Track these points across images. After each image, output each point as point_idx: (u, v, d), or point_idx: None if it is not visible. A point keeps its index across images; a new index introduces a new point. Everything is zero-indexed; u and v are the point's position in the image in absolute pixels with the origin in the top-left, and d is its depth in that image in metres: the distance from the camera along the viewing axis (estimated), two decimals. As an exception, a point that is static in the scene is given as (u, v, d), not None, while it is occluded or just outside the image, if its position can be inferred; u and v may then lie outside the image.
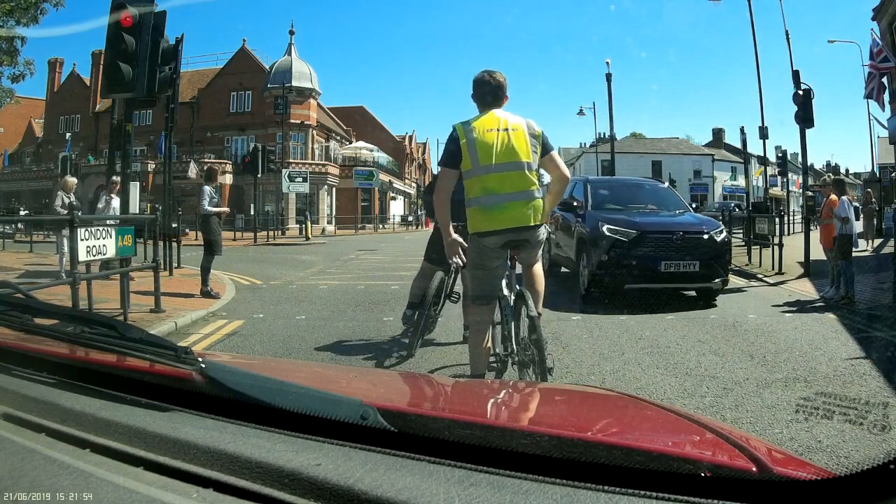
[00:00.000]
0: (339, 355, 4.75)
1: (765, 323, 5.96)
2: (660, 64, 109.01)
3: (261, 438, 0.80)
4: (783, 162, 24.68)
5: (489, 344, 3.33)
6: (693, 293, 7.48)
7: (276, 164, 27.11)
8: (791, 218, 19.36)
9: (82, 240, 5.16)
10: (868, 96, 17.20)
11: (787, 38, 18.10)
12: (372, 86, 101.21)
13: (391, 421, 0.80)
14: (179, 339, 5.11)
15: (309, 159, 36.08)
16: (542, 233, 3.25)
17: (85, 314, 1.88)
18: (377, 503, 0.64)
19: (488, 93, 3.25)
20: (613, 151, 40.14)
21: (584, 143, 54.69)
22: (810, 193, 12.50)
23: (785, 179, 25.55)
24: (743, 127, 45.09)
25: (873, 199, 17.52)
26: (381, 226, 39.19)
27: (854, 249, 7.43)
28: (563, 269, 9.06)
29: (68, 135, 36.63)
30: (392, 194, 45.80)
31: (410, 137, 54.34)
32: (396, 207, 46.02)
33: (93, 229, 5.41)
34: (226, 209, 9.07)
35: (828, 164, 57.08)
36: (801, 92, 11.37)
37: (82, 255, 5.18)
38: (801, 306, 7.05)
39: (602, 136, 47.61)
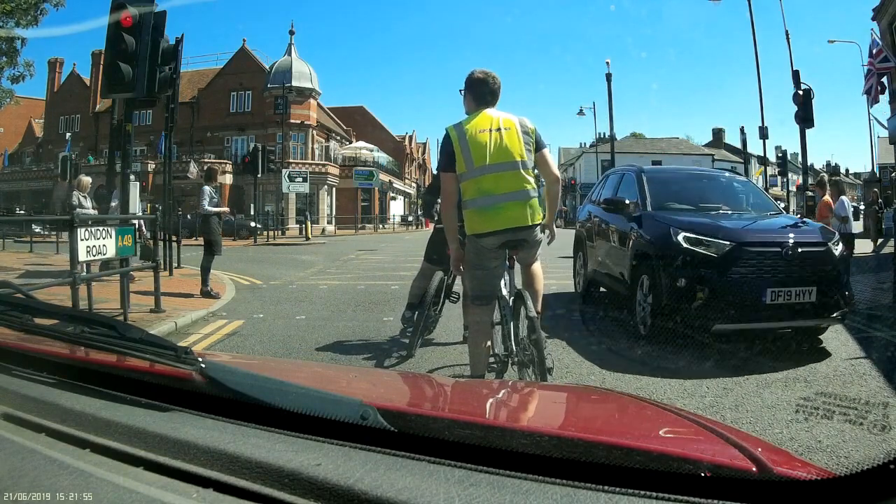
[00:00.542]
0: (339, 355, 4.75)
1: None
2: (660, 64, 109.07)
3: (261, 438, 0.80)
4: (783, 162, 24.67)
5: (489, 344, 3.33)
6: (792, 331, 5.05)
7: (276, 164, 27.13)
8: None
9: (82, 240, 5.16)
10: (867, 92, 17.20)
11: (787, 38, 18.10)
12: (372, 86, 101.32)
13: (391, 421, 0.80)
14: (179, 339, 5.11)
15: (309, 159, 36.09)
16: (540, 232, 3.25)
17: (85, 314, 1.88)
18: (377, 503, 0.64)
19: (486, 93, 3.25)
20: (613, 151, 40.13)
21: (584, 143, 54.71)
22: (810, 193, 12.50)
23: (785, 179, 25.53)
24: (743, 127, 45.22)
25: (880, 199, 17.48)
26: (381, 226, 39.19)
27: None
28: (604, 290, 6.68)
29: (68, 135, 36.62)
30: (392, 194, 45.81)
31: (410, 137, 54.34)
32: (396, 207, 46.04)
33: (93, 229, 5.41)
34: (226, 209, 9.07)
35: (828, 164, 57.05)
36: (801, 92, 11.39)
37: (82, 255, 5.18)
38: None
39: (602, 136, 47.64)
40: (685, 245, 4.78)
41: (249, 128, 36.44)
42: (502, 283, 3.35)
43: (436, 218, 4.99)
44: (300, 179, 27.76)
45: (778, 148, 30.68)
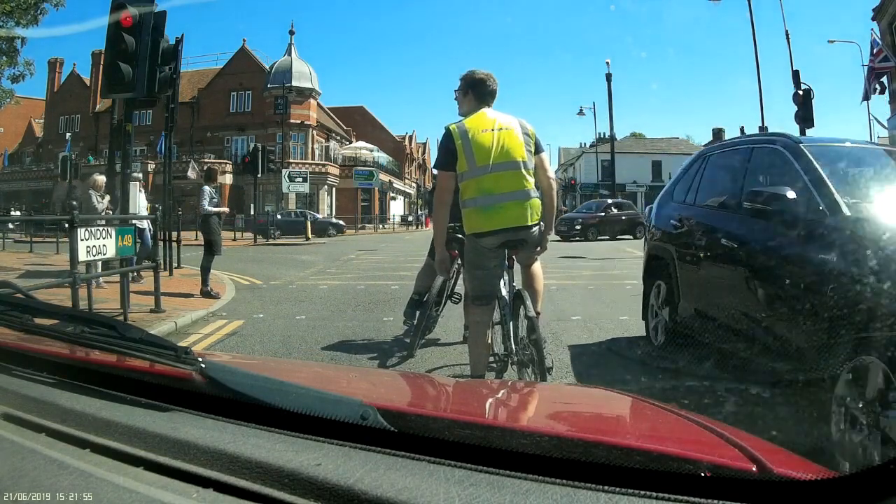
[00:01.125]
0: (339, 355, 4.75)
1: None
2: (660, 64, 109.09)
3: (261, 438, 0.80)
4: (783, 162, 24.67)
5: (489, 344, 3.33)
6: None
7: (276, 164, 27.15)
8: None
9: (82, 240, 5.16)
10: (865, 98, 17.21)
11: (787, 38, 18.10)
12: (372, 86, 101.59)
13: (391, 421, 0.80)
14: (179, 339, 5.11)
15: (309, 159, 36.11)
16: (539, 232, 3.25)
17: (85, 314, 1.88)
18: (377, 503, 0.64)
19: (486, 93, 3.26)
20: (613, 151, 40.14)
21: (584, 143, 54.74)
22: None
23: (785, 179, 25.54)
24: (743, 127, 45.07)
25: None
26: (381, 226, 39.20)
27: None
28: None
29: (68, 135, 36.65)
30: (392, 194, 45.83)
31: (410, 137, 54.38)
32: (396, 207, 46.06)
33: (93, 229, 5.41)
34: (225, 209, 9.08)
35: (828, 164, 57.01)
36: (801, 92, 11.40)
37: (82, 255, 5.18)
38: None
39: (602, 136, 47.71)
40: None
41: (249, 128, 36.47)
42: (502, 283, 3.35)
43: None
44: (300, 179, 27.80)
45: (778, 148, 30.70)
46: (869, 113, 24.74)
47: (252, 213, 27.59)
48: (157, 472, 0.73)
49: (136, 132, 9.33)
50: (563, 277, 9.67)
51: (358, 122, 47.58)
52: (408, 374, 2.85)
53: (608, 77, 39.35)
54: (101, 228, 5.54)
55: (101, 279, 7.22)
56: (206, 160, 30.70)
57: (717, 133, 55.98)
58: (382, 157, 43.46)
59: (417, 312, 4.80)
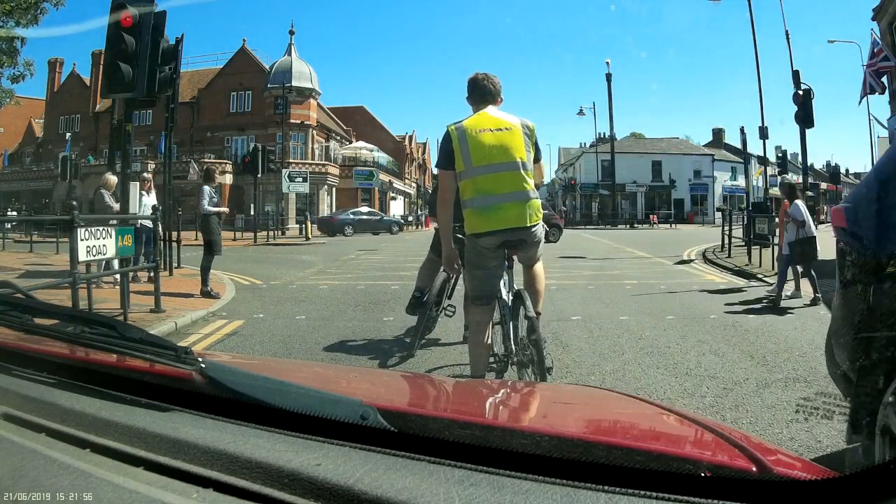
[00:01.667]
0: (339, 355, 4.75)
1: (765, 323, 5.95)
2: (660, 64, 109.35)
3: (261, 438, 0.80)
4: (783, 162, 24.66)
5: (489, 344, 3.33)
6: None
7: (276, 164, 27.11)
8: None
9: (82, 240, 5.16)
10: (863, 96, 17.20)
11: (787, 38, 18.09)
12: (372, 86, 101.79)
13: (391, 421, 0.80)
14: (179, 340, 5.11)
15: (309, 159, 36.10)
16: (540, 232, 3.25)
17: (85, 314, 1.88)
18: (377, 503, 0.64)
19: (486, 94, 3.26)
20: (613, 151, 40.15)
21: (584, 143, 54.82)
22: (811, 193, 12.50)
23: (785, 179, 25.54)
24: (743, 127, 45.13)
25: None
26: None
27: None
28: None
29: (68, 135, 36.65)
30: (392, 194, 45.82)
31: (410, 137, 54.37)
32: (396, 207, 46.04)
33: (93, 229, 5.41)
34: (225, 209, 9.08)
35: (828, 164, 57.05)
36: (801, 92, 11.40)
37: (82, 255, 5.18)
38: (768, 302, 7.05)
39: (602, 136, 47.77)
40: None
41: (249, 128, 36.46)
42: (502, 283, 3.35)
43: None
44: (300, 179, 27.74)
45: (778, 148, 30.68)
46: (869, 113, 24.77)
47: (252, 212, 27.59)
48: (157, 472, 0.73)
49: (136, 132, 9.32)
50: (563, 277, 9.67)
51: (358, 122, 47.59)
52: (408, 374, 2.85)
53: (608, 77, 39.39)
54: (101, 228, 5.54)
55: (116, 277, 7.18)
56: (206, 160, 30.71)
57: (717, 133, 56.06)
58: (382, 157, 43.45)
59: (418, 312, 4.79)
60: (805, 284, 7.43)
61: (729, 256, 12.65)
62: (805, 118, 11.31)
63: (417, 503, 0.63)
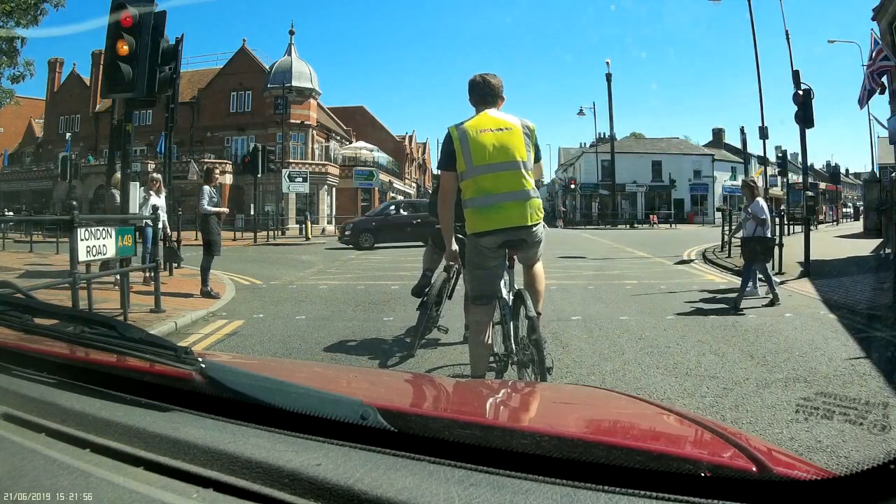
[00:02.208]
0: (339, 355, 4.75)
1: (764, 323, 5.95)
2: (660, 64, 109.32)
3: (261, 438, 0.80)
4: (783, 162, 24.68)
5: (489, 344, 3.33)
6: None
7: (276, 164, 27.11)
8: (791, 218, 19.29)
9: (82, 240, 5.16)
10: (860, 101, 17.16)
11: (787, 38, 18.13)
12: (372, 86, 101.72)
13: (391, 421, 0.80)
14: (179, 340, 5.11)
15: (309, 159, 36.08)
16: (540, 231, 3.25)
17: (85, 314, 1.88)
18: (377, 503, 0.64)
19: (485, 94, 3.28)
20: (613, 151, 40.14)
21: (584, 143, 54.75)
22: (810, 193, 12.49)
23: (785, 180, 25.54)
24: (743, 127, 45.19)
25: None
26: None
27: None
28: None
29: (68, 135, 36.62)
30: (392, 194, 45.79)
31: (410, 137, 54.35)
32: (396, 207, 45.98)
33: (93, 229, 5.40)
34: (225, 209, 9.07)
35: (828, 164, 57.03)
36: (801, 92, 11.38)
37: (82, 255, 5.18)
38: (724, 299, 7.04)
39: (602, 136, 47.74)
40: None
41: (249, 128, 36.43)
42: (502, 282, 3.35)
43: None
44: (300, 179, 27.73)
45: (778, 148, 30.74)
46: (869, 113, 24.75)
47: (252, 212, 27.58)
48: (157, 472, 0.73)
49: (136, 132, 9.31)
50: (563, 277, 9.67)
51: (358, 122, 47.56)
52: (408, 374, 2.85)
53: (608, 77, 39.38)
54: (101, 228, 5.53)
55: (116, 277, 7.17)
56: (206, 160, 30.70)
57: (717, 133, 56.04)
58: (382, 157, 43.43)
59: (420, 306, 4.78)
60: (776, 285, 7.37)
61: (729, 256, 12.64)
62: (805, 118, 11.29)
63: (417, 503, 0.63)
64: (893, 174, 20.47)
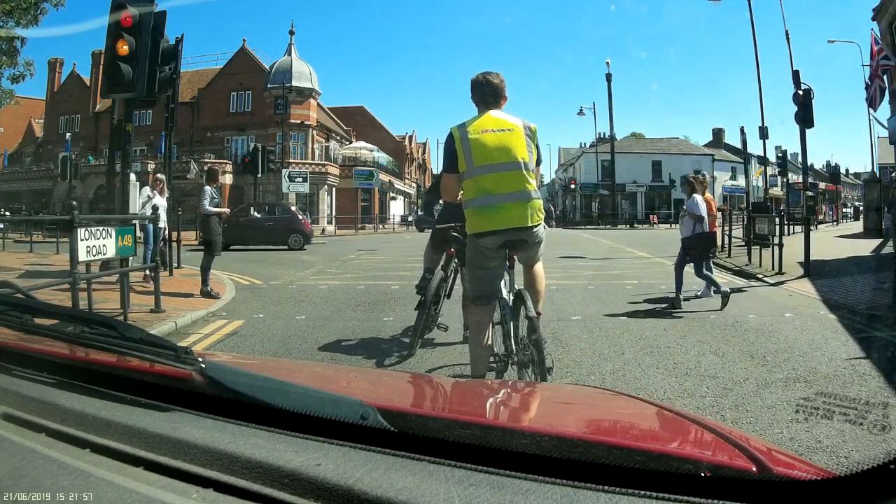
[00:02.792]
0: (339, 355, 4.75)
1: (765, 323, 5.95)
2: (660, 64, 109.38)
3: (261, 438, 0.80)
4: (783, 162, 24.71)
5: (489, 344, 3.33)
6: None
7: (276, 164, 27.14)
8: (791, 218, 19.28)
9: (82, 240, 5.16)
10: (869, 102, 17.13)
11: (787, 38, 18.14)
12: (372, 86, 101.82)
13: (391, 421, 0.80)
14: (179, 340, 5.10)
15: (309, 159, 36.08)
16: (541, 232, 3.25)
17: (85, 314, 1.88)
18: (377, 503, 0.64)
19: (486, 94, 3.27)
20: (613, 151, 40.15)
21: (584, 143, 54.76)
22: (810, 194, 12.49)
23: (785, 180, 25.56)
24: (743, 127, 45.22)
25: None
26: (381, 226, 39.17)
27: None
28: None
29: (68, 135, 36.60)
30: (392, 194, 45.79)
31: (410, 137, 54.34)
32: (396, 208, 46.02)
33: (93, 229, 5.40)
34: (226, 210, 9.08)
35: (828, 165, 57.09)
36: (801, 92, 11.39)
37: (82, 255, 5.17)
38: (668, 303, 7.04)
39: (602, 136, 47.75)
40: None
41: (249, 128, 36.43)
42: (502, 283, 3.35)
43: (435, 217, 4.99)
44: (300, 179, 27.76)
45: (778, 148, 30.77)
46: (869, 113, 24.74)
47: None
48: (157, 472, 0.73)
49: (136, 132, 9.33)
50: (563, 277, 9.67)
51: (358, 122, 47.55)
52: (408, 374, 2.85)
53: (608, 77, 39.37)
54: (100, 228, 5.53)
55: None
56: (206, 160, 30.68)
57: (717, 133, 56.04)
58: (382, 158, 43.43)
59: (417, 312, 4.79)
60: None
61: (729, 256, 12.65)
62: (805, 118, 11.31)
63: (417, 503, 0.63)
64: (893, 174, 20.47)
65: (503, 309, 3.34)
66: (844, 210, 42.27)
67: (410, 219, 43.08)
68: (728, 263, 11.61)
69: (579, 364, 4.41)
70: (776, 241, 10.06)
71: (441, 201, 4.77)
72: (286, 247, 18.36)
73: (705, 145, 54.45)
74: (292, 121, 34.92)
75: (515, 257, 3.38)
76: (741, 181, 41.36)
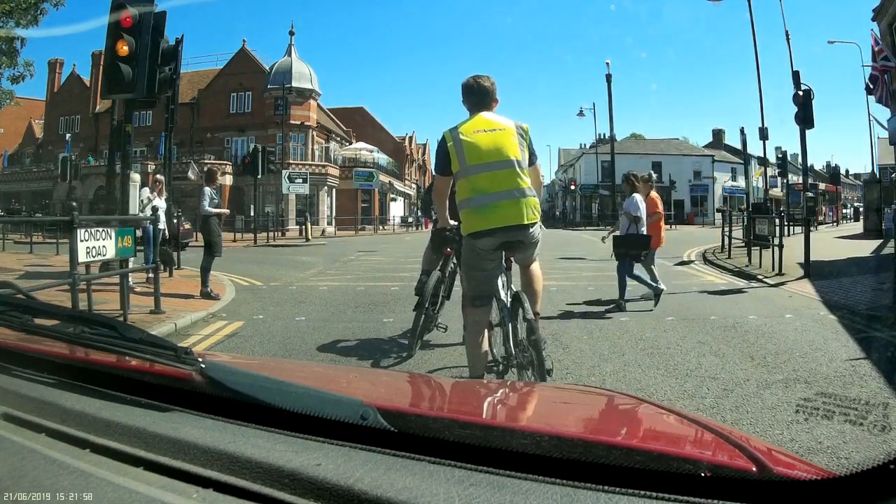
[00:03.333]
0: (339, 356, 4.75)
1: (765, 324, 5.95)
2: (660, 64, 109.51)
3: (261, 438, 0.80)
4: (783, 163, 24.70)
5: (487, 344, 3.33)
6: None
7: (275, 164, 27.11)
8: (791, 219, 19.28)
9: (82, 241, 5.15)
10: (879, 101, 17.08)
11: (787, 38, 18.15)
12: (372, 86, 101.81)
13: (391, 421, 0.80)
14: (179, 341, 5.10)
15: (309, 160, 36.08)
16: (537, 232, 3.25)
17: (85, 314, 1.88)
18: (377, 503, 0.64)
19: (477, 97, 3.29)
20: (613, 152, 40.18)
21: (584, 144, 54.75)
22: (810, 194, 12.49)
23: (785, 180, 25.56)
24: (743, 128, 45.25)
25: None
26: (380, 227, 39.18)
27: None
28: None
29: (68, 135, 36.64)
30: (392, 195, 45.79)
31: (410, 138, 54.34)
32: (396, 208, 46.02)
33: (92, 230, 5.40)
34: (226, 211, 9.07)
35: (828, 165, 57.10)
36: (801, 92, 11.39)
37: (82, 256, 5.17)
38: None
39: (602, 136, 47.72)
40: None
41: (249, 128, 36.44)
42: (500, 284, 3.34)
43: (434, 217, 5.00)
44: (300, 180, 27.72)
45: (778, 149, 30.78)
46: (869, 113, 24.77)
47: (252, 213, 27.57)
48: (157, 472, 0.73)
49: (136, 133, 9.33)
50: (563, 279, 9.67)
51: (358, 122, 47.53)
52: (408, 374, 2.84)
53: (608, 78, 39.38)
54: (100, 229, 5.53)
55: (130, 280, 7.14)
56: (206, 161, 30.69)
57: (717, 134, 56.06)
58: (382, 158, 43.43)
59: (415, 313, 4.79)
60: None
61: (729, 257, 12.65)
62: (805, 119, 11.31)
63: (417, 503, 0.63)
64: (893, 175, 20.47)
65: (502, 311, 3.33)
66: (844, 211, 42.29)
67: (410, 220, 43.13)
68: (728, 264, 11.62)
69: (579, 365, 4.41)
70: (776, 241, 10.06)
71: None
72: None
73: (705, 146, 54.45)
74: (292, 122, 34.93)
75: (512, 258, 3.39)
76: (741, 182, 41.37)
